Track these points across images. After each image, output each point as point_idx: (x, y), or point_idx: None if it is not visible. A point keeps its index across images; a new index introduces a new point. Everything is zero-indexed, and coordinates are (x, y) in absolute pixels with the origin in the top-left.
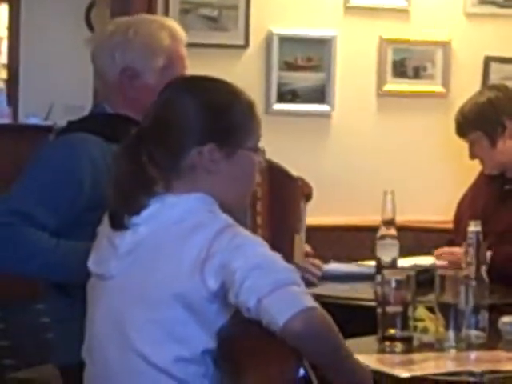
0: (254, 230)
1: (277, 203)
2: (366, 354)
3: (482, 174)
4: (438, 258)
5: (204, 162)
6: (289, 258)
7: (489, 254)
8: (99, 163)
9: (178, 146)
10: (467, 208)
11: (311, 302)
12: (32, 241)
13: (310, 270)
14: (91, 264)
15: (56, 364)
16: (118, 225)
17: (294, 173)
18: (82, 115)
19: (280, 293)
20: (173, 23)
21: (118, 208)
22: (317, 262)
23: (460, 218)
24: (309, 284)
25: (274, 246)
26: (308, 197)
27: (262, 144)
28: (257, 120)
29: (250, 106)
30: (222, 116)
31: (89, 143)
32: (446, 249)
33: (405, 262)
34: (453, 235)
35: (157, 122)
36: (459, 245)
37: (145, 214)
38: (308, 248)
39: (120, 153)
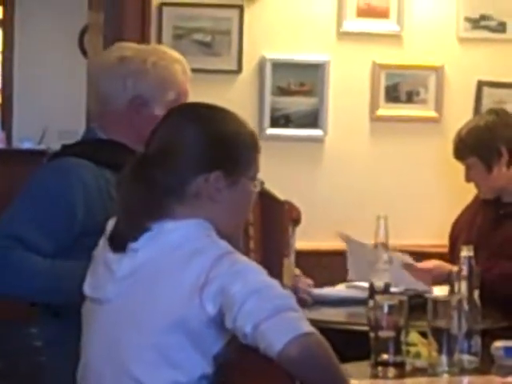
0: (247, 254)
1: (267, 227)
2: (359, 380)
3: (477, 197)
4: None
5: (209, 190)
6: (279, 280)
7: None
8: (92, 188)
9: (185, 172)
10: (462, 231)
11: (308, 328)
12: (26, 264)
13: (302, 289)
14: (87, 288)
15: None
16: (119, 247)
17: (286, 197)
18: (75, 139)
19: (277, 318)
20: (182, 57)
21: (121, 231)
22: (308, 280)
23: (455, 241)
24: (302, 303)
25: (271, 272)
26: (296, 221)
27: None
28: (258, 151)
29: (253, 136)
30: (229, 145)
31: (81, 168)
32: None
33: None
34: (448, 256)
35: (162, 148)
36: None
37: (143, 238)
38: (297, 271)
39: (126, 177)
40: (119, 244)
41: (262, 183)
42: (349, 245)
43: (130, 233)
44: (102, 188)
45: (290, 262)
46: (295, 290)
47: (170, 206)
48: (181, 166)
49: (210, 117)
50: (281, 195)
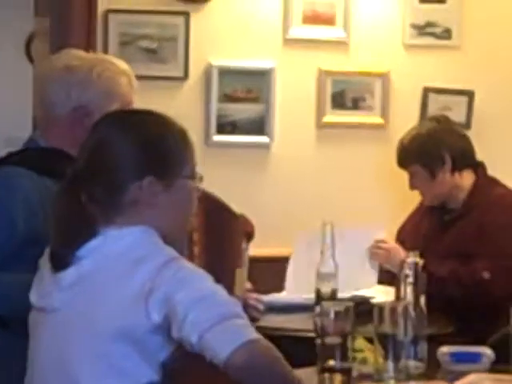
0: (191, 259)
1: (213, 233)
2: None
3: (422, 203)
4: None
5: (145, 196)
6: (229, 291)
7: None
8: (33, 198)
9: (117, 184)
10: (408, 237)
11: (254, 335)
12: None
13: (253, 305)
14: (33, 297)
15: None
16: (59, 265)
17: (234, 203)
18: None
19: (222, 327)
20: (129, 69)
21: (58, 248)
22: (259, 297)
23: (401, 245)
24: (252, 320)
25: (216, 277)
26: (250, 235)
27: (199, 172)
28: (190, 148)
29: (182, 134)
30: (156, 148)
31: (22, 178)
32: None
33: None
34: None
35: (92, 162)
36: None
37: (88, 247)
38: (249, 285)
39: (58, 193)
40: (58, 262)
41: (201, 178)
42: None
43: (66, 249)
44: (43, 197)
45: (242, 273)
46: (249, 303)
47: (108, 218)
48: (111, 176)
49: (132, 123)
50: (227, 201)
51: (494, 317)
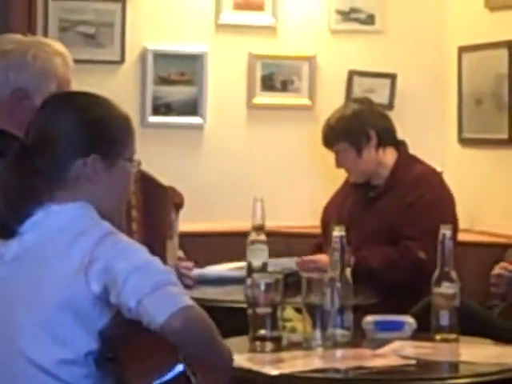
0: (129, 235)
1: (149, 211)
2: (238, 354)
3: (347, 181)
4: (302, 267)
5: (87, 172)
6: (162, 260)
7: (353, 258)
8: None
9: (63, 159)
10: (334, 214)
11: (189, 301)
12: None
13: (184, 274)
14: None
15: None
16: (6, 235)
17: (169, 182)
18: None
19: (159, 293)
20: (64, 49)
21: (5, 218)
22: (189, 264)
23: (327, 223)
24: (185, 287)
25: (152, 250)
26: (179, 205)
27: (137, 155)
28: (133, 133)
29: (126, 119)
30: (102, 129)
31: None
32: (308, 258)
33: (276, 263)
34: (320, 239)
35: (40, 138)
36: (326, 250)
37: (29, 222)
38: (181, 253)
39: (5, 166)
40: (5, 231)
41: (139, 164)
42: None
43: (14, 219)
44: None
45: (173, 243)
46: (181, 272)
47: (52, 192)
48: (58, 153)
49: (82, 104)
50: (163, 180)
51: (416, 287)
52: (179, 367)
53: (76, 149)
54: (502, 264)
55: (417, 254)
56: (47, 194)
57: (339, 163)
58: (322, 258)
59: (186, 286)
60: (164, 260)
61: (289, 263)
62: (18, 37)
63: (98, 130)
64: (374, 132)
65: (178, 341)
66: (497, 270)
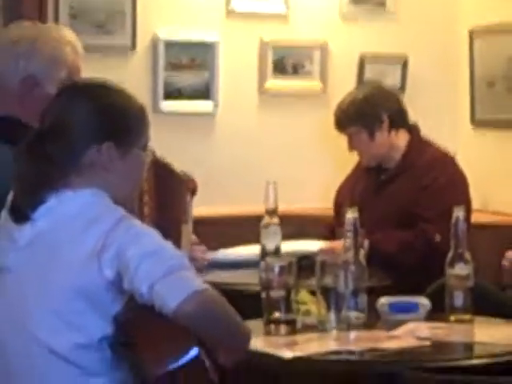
0: (141, 219)
1: (162, 196)
2: (253, 337)
3: (359, 164)
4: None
5: (102, 159)
6: (176, 245)
7: (366, 241)
8: None
9: (78, 145)
10: (346, 197)
11: (201, 285)
12: None
13: (197, 258)
14: None
15: None
16: (20, 218)
17: (181, 167)
18: None
19: (171, 278)
20: (74, 37)
21: (19, 203)
22: (202, 248)
23: (339, 206)
24: (197, 271)
25: (165, 234)
26: (193, 191)
27: (151, 141)
28: (147, 123)
29: (140, 109)
30: (119, 117)
31: None
32: (328, 246)
33: (291, 246)
34: (333, 221)
35: (55, 125)
36: (339, 233)
37: (42, 208)
38: (194, 237)
39: (21, 151)
40: (19, 215)
41: (153, 153)
42: None
43: (28, 204)
44: (1, 163)
45: (188, 228)
46: (194, 256)
47: (66, 178)
48: (73, 139)
49: (98, 92)
50: (176, 165)
51: (431, 269)
52: (194, 351)
53: (90, 136)
54: (510, 255)
55: (433, 237)
56: (61, 180)
57: (352, 146)
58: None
59: (200, 270)
60: (179, 244)
61: (312, 246)
62: (27, 24)
63: (113, 118)
64: (386, 115)
65: (191, 325)
66: (505, 261)
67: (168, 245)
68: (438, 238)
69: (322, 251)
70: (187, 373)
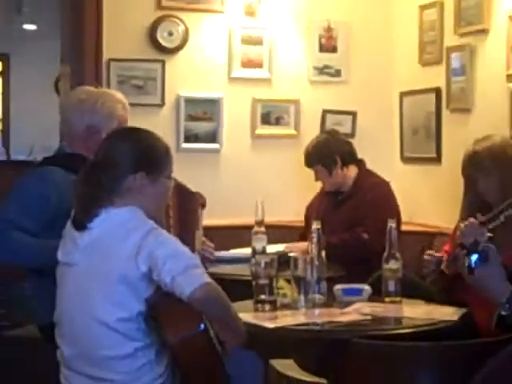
0: (167, 229)
1: (182, 210)
2: (245, 313)
3: (322, 189)
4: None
5: (136, 185)
6: (192, 246)
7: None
8: (62, 187)
9: (120, 174)
10: (313, 212)
11: (208, 279)
12: (23, 242)
13: (206, 255)
14: (60, 255)
15: (36, 324)
16: (80, 227)
17: (195, 189)
18: (51, 153)
19: (187, 273)
20: (123, 97)
21: (78, 216)
22: (210, 245)
23: (308, 219)
24: (207, 261)
25: (182, 239)
26: (203, 205)
27: (174, 172)
28: (171, 158)
29: (167, 149)
30: (150, 155)
31: (55, 173)
32: (294, 244)
33: (273, 248)
34: (303, 230)
35: (105, 158)
36: (307, 239)
37: (96, 220)
38: (203, 239)
39: (79, 179)
40: (79, 225)
41: (175, 180)
42: None
43: (85, 217)
44: (68, 185)
45: (199, 233)
46: (203, 252)
47: (111, 198)
48: (117, 170)
49: (136, 136)
50: (192, 188)
51: (371, 265)
52: (202, 326)
53: (129, 167)
54: (428, 251)
55: (362, 235)
56: (108, 200)
57: (316, 178)
58: (302, 245)
59: (209, 260)
60: (193, 245)
61: (280, 248)
62: (90, 88)
63: (145, 155)
64: (339, 157)
65: (201, 307)
66: (426, 254)
67: (185, 249)
68: (365, 236)
69: (287, 248)
70: (197, 341)
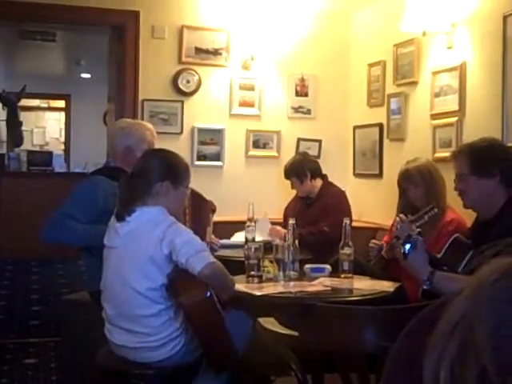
0: (184, 224)
1: (196, 211)
2: (239, 284)
3: (296, 195)
4: (271, 234)
5: (163, 191)
6: (204, 237)
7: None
8: (107, 191)
9: (151, 182)
10: (289, 212)
11: (213, 259)
12: (74, 227)
13: (213, 243)
14: (105, 240)
15: (87, 291)
16: (121, 219)
17: (206, 195)
18: (100, 167)
19: (198, 256)
20: (151, 126)
21: (120, 211)
22: (216, 239)
23: (286, 217)
24: (213, 250)
25: (196, 233)
26: (214, 211)
27: (191, 183)
28: (189, 172)
29: (186, 165)
30: (174, 169)
31: (102, 181)
32: (275, 228)
33: (259, 237)
34: (282, 225)
35: (141, 170)
36: (284, 228)
37: (133, 215)
38: (212, 234)
39: (122, 184)
40: (121, 218)
41: (191, 189)
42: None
43: (125, 212)
44: (113, 191)
45: (210, 229)
46: (211, 243)
47: (144, 199)
48: (149, 179)
49: (164, 154)
50: (203, 193)
51: (332, 251)
52: (208, 293)
53: (158, 177)
54: (373, 240)
55: (323, 228)
56: (141, 201)
57: (292, 187)
58: (280, 229)
59: (214, 250)
60: (204, 236)
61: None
62: (129, 120)
63: (170, 169)
64: (309, 172)
65: (207, 280)
66: (371, 243)
67: (197, 238)
68: (326, 228)
69: (272, 229)
70: (204, 304)
